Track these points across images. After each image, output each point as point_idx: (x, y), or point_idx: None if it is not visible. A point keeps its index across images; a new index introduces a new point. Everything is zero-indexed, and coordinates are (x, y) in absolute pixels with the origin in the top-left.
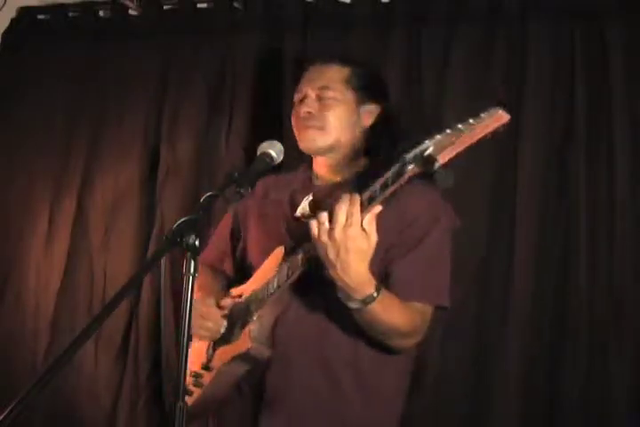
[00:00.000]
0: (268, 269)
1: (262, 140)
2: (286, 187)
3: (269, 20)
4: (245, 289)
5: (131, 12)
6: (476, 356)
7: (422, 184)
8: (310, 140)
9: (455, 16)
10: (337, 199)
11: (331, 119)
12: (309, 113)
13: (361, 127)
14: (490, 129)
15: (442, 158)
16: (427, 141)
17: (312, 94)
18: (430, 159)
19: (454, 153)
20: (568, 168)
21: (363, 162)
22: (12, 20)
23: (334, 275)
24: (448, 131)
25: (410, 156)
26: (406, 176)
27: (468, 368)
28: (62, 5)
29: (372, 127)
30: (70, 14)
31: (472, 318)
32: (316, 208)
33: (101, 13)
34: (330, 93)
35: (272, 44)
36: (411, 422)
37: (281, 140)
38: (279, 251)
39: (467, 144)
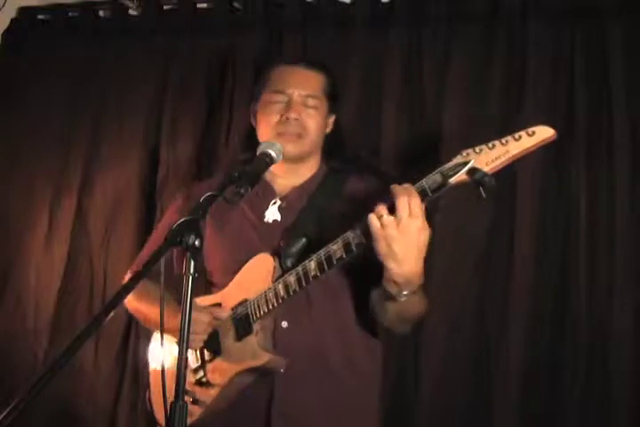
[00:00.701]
0: (257, 278)
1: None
2: None
3: (269, 20)
4: (224, 298)
5: (131, 12)
6: (476, 354)
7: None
8: (289, 147)
9: (455, 16)
10: (308, 203)
11: (311, 129)
12: (297, 120)
13: (325, 133)
14: (537, 146)
15: (490, 171)
16: (464, 154)
17: (299, 100)
18: (477, 171)
19: (502, 166)
20: (568, 168)
21: (317, 164)
22: (12, 20)
23: (396, 269)
24: (490, 145)
25: (447, 168)
26: (448, 186)
27: (468, 366)
28: (62, 5)
29: (328, 134)
30: (70, 14)
31: (472, 315)
32: (287, 213)
33: (101, 13)
34: (313, 102)
35: (272, 44)
36: (412, 419)
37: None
38: (264, 258)
39: (514, 159)
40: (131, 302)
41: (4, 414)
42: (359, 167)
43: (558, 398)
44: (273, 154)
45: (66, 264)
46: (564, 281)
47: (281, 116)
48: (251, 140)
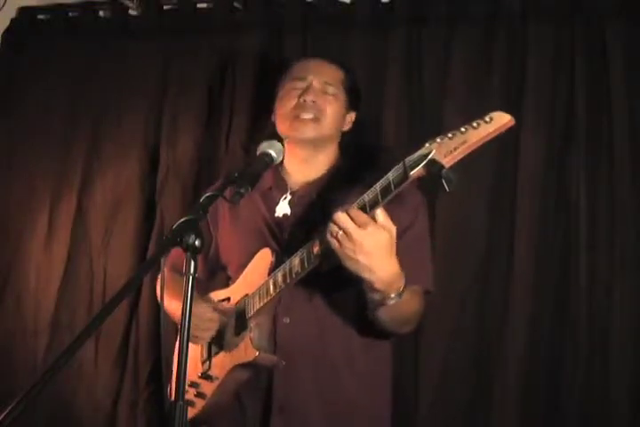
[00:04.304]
0: (257, 273)
1: (262, 140)
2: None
3: (269, 20)
4: (232, 293)
5: (131, 12)
6: (476, 354)
7: None
8: (306, 130)
9: (455, 16)
10: (317, 198)
11: (329, 113)
12: (314, 102)
13: (342, 130)
14: (496, 133)
15: (447, 162)
16: (427, 144)
17: (317, 86)
18: (435, 163)
19: (460, 157)
20: (568, 168)
21: (334, 161)
22: (12, 20)
23: (372, 277)
24: (450, 134)
25: (411, 159)
26: (410, 180)
27: (468, 368)
28: (62, 5)
29: (346, 132)
30: (70, 14)
31: (472, 317)
32: (296, 208)
33: (101, 13)
34: (332, 89)
35: (272, 44)
36: (412, 419)
37: (280, 140)
38: (265, 253)
39: (472, 148)
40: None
41: (4, 414)
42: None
43: (558, 398)
44: (273, 154)
45: (66, 264)
46: (564, 281)
47: (299, 98)
48: (251, 140)
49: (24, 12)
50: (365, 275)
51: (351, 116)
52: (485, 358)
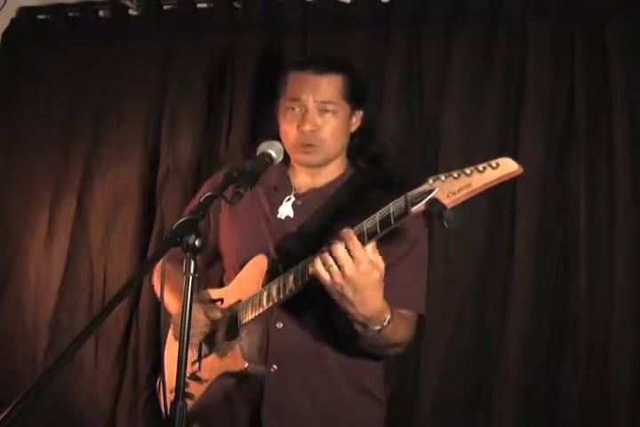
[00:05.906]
0: (252, 279)
1: (262, 141)
2: (261, 181)
3: (269, 19)
4: (227, 294)
5: (131, 12)
6: (476, 356)
7: None
8: (308, 159)
9: (455, 16)
10: (324, 206)
11: (329, 136)
12: (313, 131)
13: (349, 133)
14: (501, 180)
15: (449, 204)
16: (431, 181)
17: (313, 108)
18: (436, 202)
19: (463, 199)
20: (568, 168)
21: (342, 167)
22: (12, 20)
23: (353, 311)
24: (455, 174)
25: (413, 195)
26: (410, 216)
27: (468, 368)
28: (62, 5)
29: (356, 130)
30: (70, 14)
31: (472, 316)
32: (300, 213)
33: (101, 13)
34: (330, 107)
35: (272, 44)
36: (412, 419)
37: (280, 140)
38: (260, 260)
39: (476, 192)
40: (156, 284)
41: (4, 414)
42: (384, 169)
43: (558, 398)
44: (273, 154)
45: (66, 264)
46: (564, 281)
47: (297, 127)
48: (250, 139)
49: (24, 12)
50: (349, 309)
51: (358, 116)
52: (485, 358)
